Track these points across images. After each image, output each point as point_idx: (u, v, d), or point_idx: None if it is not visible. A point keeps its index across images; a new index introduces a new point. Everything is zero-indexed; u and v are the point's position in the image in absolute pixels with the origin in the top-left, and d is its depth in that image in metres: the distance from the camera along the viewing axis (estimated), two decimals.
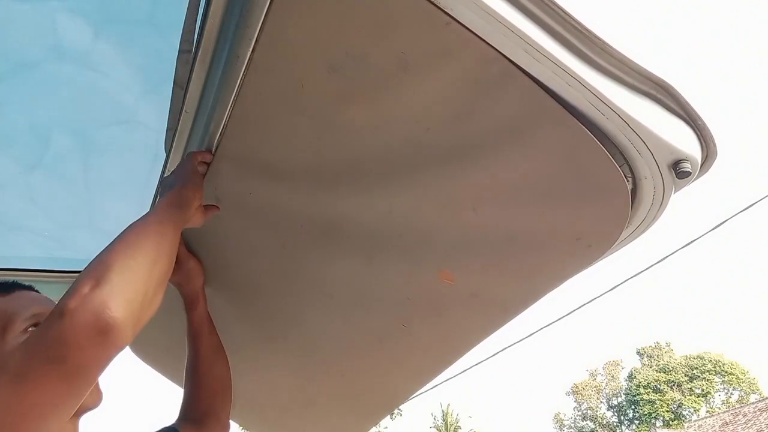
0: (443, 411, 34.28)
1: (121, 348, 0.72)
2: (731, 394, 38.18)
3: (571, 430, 43.79)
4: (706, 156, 0.80)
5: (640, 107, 0.76)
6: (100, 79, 1.24)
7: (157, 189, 1.37)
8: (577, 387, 44.17)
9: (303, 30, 0.85)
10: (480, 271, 1.09)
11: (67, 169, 1.45)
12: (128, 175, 1.51)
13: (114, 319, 0.69)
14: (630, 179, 0.85)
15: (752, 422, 19.59)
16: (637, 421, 39.50)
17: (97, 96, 1.28)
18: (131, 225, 0.86)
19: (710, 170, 0.83)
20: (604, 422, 42.26)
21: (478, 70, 0.78)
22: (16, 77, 1.20)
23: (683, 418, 35.76)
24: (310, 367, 1.58)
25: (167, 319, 1.31)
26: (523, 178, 0.91)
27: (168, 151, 1.24)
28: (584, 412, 43.57)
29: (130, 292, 0.74)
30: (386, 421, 31.48)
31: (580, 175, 0.86)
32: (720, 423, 21.66)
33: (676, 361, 39.46)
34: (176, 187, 1.03)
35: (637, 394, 38.84)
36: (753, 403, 23.21)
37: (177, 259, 1.00)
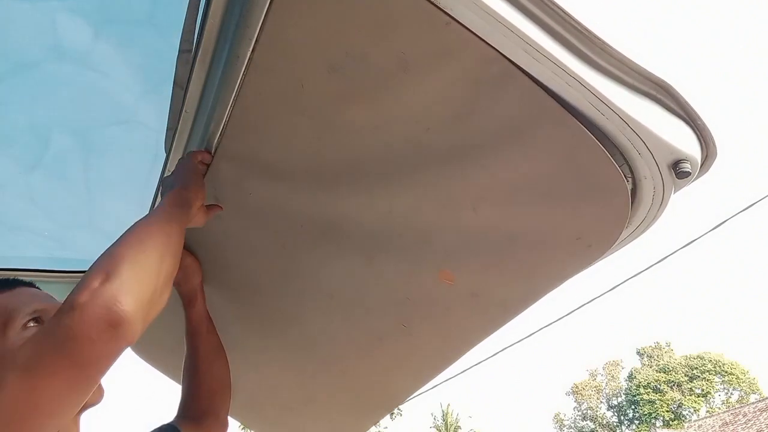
0: (443, 411, 34.29)
1: (131, 342, 0.72)
2: (731, 394, 38.19)
3: (571, 430, 43.81)
4: (706, 156, 0.80)
5: (640, 107, 0.76)
6: (100, 79, 1.24)
7: (157, 189, 1.37)
8: (577, 387, 44.18)
9: (303, 30, 0.85)
10: (480, 270, 1.09)
11: (67, 169, 1.45)
12: (128, 175, 1.51)
13: (125, 313, 0.70)
14: (630, 179, 0.85)
15: (752, 422, 19.60)
16: (637, 421, 39.51)
17: (97, 96, 1.28)
18: (137, 223, 0.87)
19: (710, 170, 0.83)
20: (604, 422, 42.27)
21: (478, 70, 0.78)
22: (16, 77, 1.20)
23: (683, 418, 35.77)
24: (311, 366, 1.58)
25: (167, 318, 1.31)
26: (523, 178, 0.91)
27: (168, 151, 1.24)
28: (584, 412, 43.58)
29: (140, 287, 0.75)
30: (386, 421, 31.48)
31: (580, 174, 0.86)
32: (720, 423, 21.66)
33: (676, 361, 39.47)
34: (177, 187, 1.03)
35: (637, 394, 38.85)
36: (753, 403, 23.22)
37: None
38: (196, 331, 1.38)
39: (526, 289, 1.10)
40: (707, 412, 34.75)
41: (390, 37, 0.80)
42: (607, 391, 43.59)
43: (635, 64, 0.74)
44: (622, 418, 41.56)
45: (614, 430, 41.33)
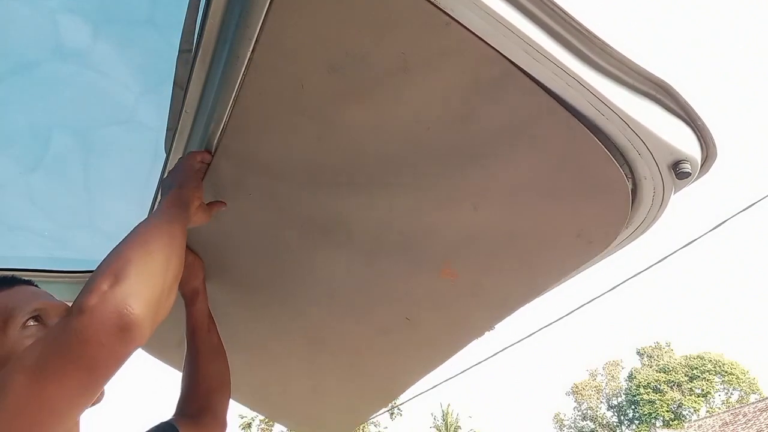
0: (443, 411, 34.29)
1: (140, 345, 0.72)
2: (731, 394, 38.18)
3: (571, 430, 43.81)
4: (706, 156, 0.80)
5: (640, 107, 0.76)
6: (100, 79, 1.24)
7: (157, 189, 1.37)
8: (577, 387, 44.18)
9: (303, 30, 0.85)
10: (481, 266, 1.11)
11: (67, 169, 1.45)
12: (128, 175, 1.51)
13: (135, 316, 0.70)
14: (630, 180, 0.85)
15: (752, 422, 19.59)
16: (637, 421, 39.50)
17: (97, 96, 1.28)
18: (140, 225, 0.87)
19: (710, 170, 0.83)
20: (604, 422, 42.27)
21: (478, 70, 0.78)
22: (16, 77, 1.20)
23: (683, 418, 35.76)
24: (319, 357, 1.62)
25: (173, 313, 1.33)
26: (523, 177, 0.92)
27: (168, 151, 1.24)
28: (584, 412, 43.58)
29: (148, 290, 0.75)
30: (386, 421, 31.51)
31: (580, 172, 0.87)
32: (720, 423, 21.66)
33: (676, 361, 39.46)
34: (175, 188, 1.03)
35: (637, 394, 38.84)
36: (753, 403, 23.21)
37: None
38: (197, 329, 1.38)
39: (527, 284, 1.11)
40: (707, 412, 34.75)
41: (390, 37, 0.80)
42: (607, 391, 43.59)
43: (635, 64, 0.74)
44: (622, 418, 41.56)
45: (614, 430, 41.33)
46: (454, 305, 1.23)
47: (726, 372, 37.59)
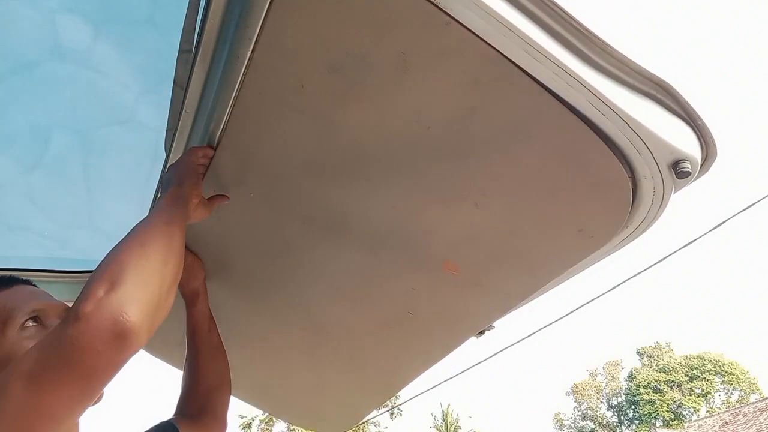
0: (443, 411, 34.29)
1: (136, 351, 0.72)
2: (731, 394, 38.18)
3: (571, 430, 43.81)
4: (706, 156, 0.80)
5: (640, 107, 0.76)
6: (100, 79, 1.24)
7: (157, 189, 1.37)
8: (577, 387, 44.18)
9: (303, 30, 0.85)
10: (483, 261, 1.12)
11: (67, 169, 1.45)
12: (128, 175, 1.51)
13: (131, 323, 0.69)
14: (630, 179, 0.85)
15: (752, 422, 19.59)
16: (637, 421, 39.50)
17: (97, 96, 1.28)
18: (138, 226, 0.86)
19: (710, 170, 0.83)
20: (604, 422, 42.27)
21: (478, 70, 0.79)
22: (16, 77, 1.20)
23: (683, 418, 35.76)
24: (321, 351, 1.62)
25: (174, 311, 1.34)
26: (524, 175, 0.92)
27: (168, 151, 1.24)
28: (584, 412, 43.58)
29: (145, 295, 0.74)
30: (386, 421, 31.50)
31: (581, 170, 0.87)
32: (720, 423, 21.66)
33: (676, 361, 39.46)
34: (173, 186, 1.02)
35: (637, 394, 38.84)
36: (753, 403, 23.21)
37: None
38: (197, 329, 1.38)
39: (528, 278, 1.12)
40: (707, 412, 34.75)
41: (390, 37, 0.80)
42: (607, 391, 43.60)
43: (635, 64, 0.74)
44: (622, 418, 41.56)
45: (614, 430, 41.33)
46: (456, 299, 1.24)
47: (726, 372, 37.59)
